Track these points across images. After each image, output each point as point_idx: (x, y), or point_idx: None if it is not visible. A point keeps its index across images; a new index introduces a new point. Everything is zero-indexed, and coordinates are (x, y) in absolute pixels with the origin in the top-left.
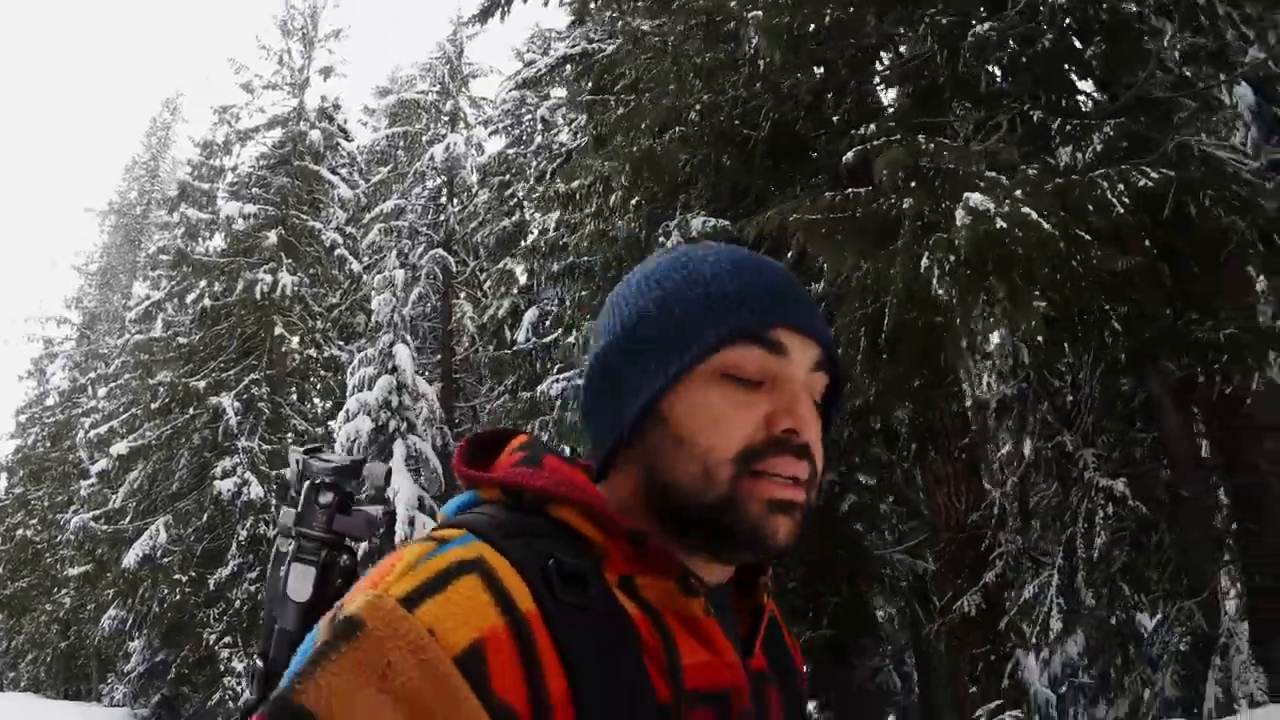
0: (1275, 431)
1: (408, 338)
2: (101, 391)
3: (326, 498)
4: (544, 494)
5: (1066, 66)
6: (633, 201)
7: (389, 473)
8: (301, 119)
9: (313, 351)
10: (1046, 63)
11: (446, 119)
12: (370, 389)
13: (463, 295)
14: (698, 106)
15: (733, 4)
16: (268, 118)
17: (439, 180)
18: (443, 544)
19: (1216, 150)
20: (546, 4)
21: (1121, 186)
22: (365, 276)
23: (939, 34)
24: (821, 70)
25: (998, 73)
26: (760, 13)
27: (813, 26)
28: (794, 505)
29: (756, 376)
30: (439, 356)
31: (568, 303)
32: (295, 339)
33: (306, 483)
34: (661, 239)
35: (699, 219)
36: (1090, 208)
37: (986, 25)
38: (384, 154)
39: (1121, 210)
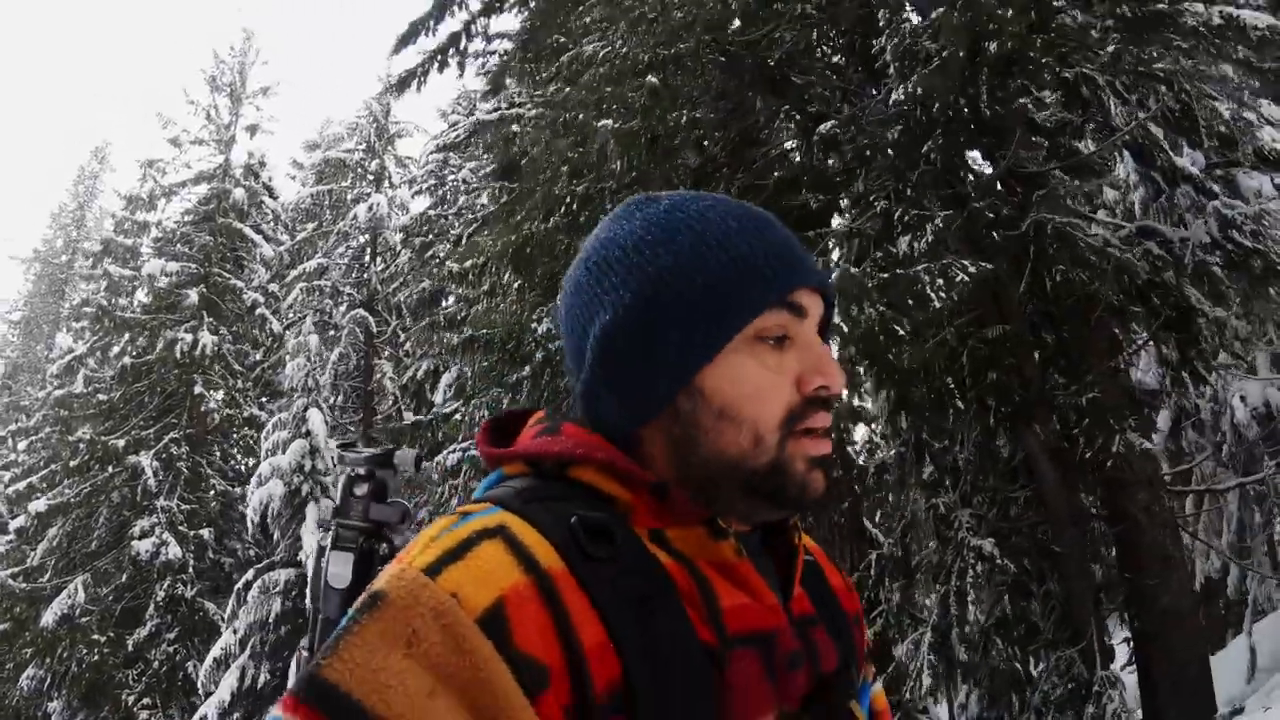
0: (1149, 486)
1: (321, 402)
2: (22, 445)
3: (362, 488)
4: (563, 457)
5: (926, 148)
6: (515, 285)
7: (418, 458)
8: (227, 176)
9: (232, 410)
10: (902, 151)
11: (372, 178)
12: (283, 453)
13: (384, 355)
14: (568, 199)
15: (580, 116)
16: (194, 173)
17: (362, 239)
18: (465, 515)
19: (1069, 225)
20: (461, 76)
21: (941, 281)
22: (287, 335)
23: (798, 128)
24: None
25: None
26: (610, 121)
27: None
28: (827, 458)
29: (782, 335)
30: (360, 416)
31: (469, 373)
32: (216, 397)
33: (343, 475)
34: (534, 324)
35: None
36: (910, 301)
37: (830, 124)
38: (309, 211)
39: (938, 304)
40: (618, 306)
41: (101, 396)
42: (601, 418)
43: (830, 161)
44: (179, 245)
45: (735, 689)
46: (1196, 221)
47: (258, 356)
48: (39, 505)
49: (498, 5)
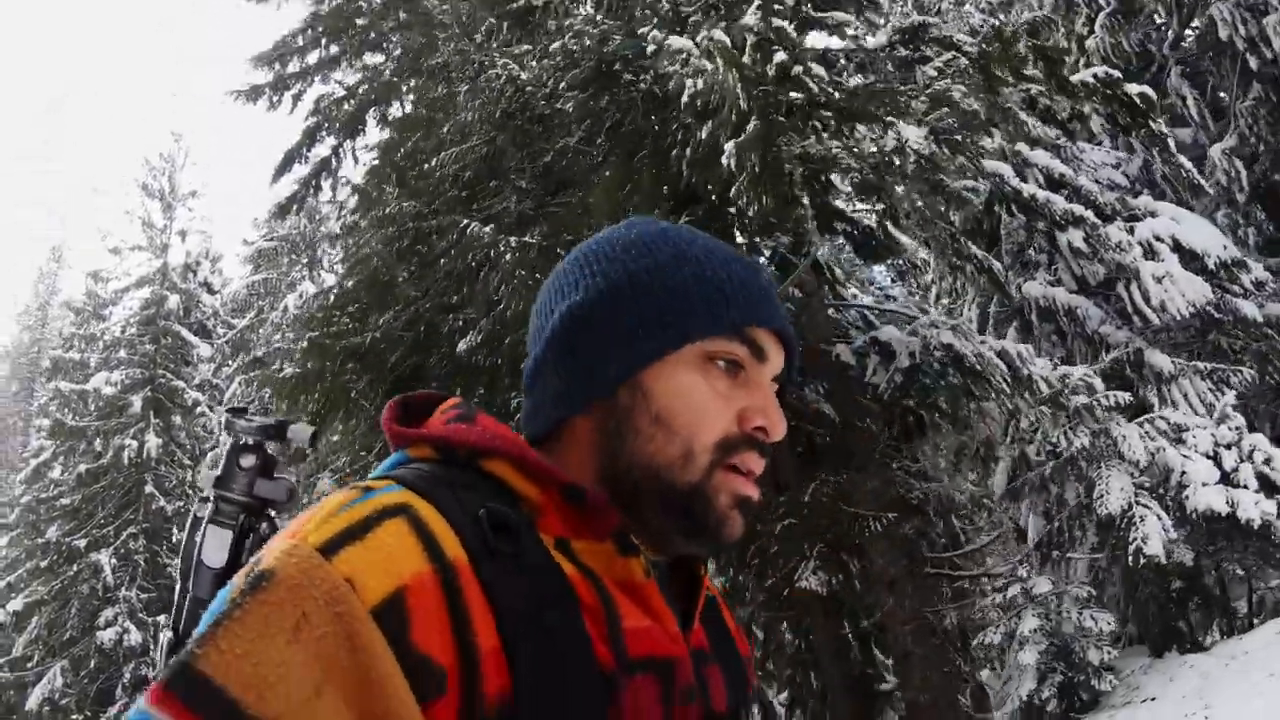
0: (891, 586)
1: None
2: (3, 540)
3: (249, 460)
4: (476, 447)
5: None
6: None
7: (315, 434)
8: (165, 279)
9: (181, 503)
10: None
11: (305, 262)
12: None
13: None
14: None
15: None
16: (134, 279)
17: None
18: (367, 491)
19: None
20: (334, 197)
21: None
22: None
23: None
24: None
25: None
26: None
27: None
28: (752, 503)
29: (735, 363)
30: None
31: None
32: (165, 495)
33: (229, 442)
34: None
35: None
36: None
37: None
38: (247, 301)
39: None
40: (589, 289)
41: (64, 500)
42: (540, 398)
43: None
44: (123, 351)
45: (627, 716)
46: (904, 338)
47: (207, 445)
48: (16, 604)
49: (360, 128)
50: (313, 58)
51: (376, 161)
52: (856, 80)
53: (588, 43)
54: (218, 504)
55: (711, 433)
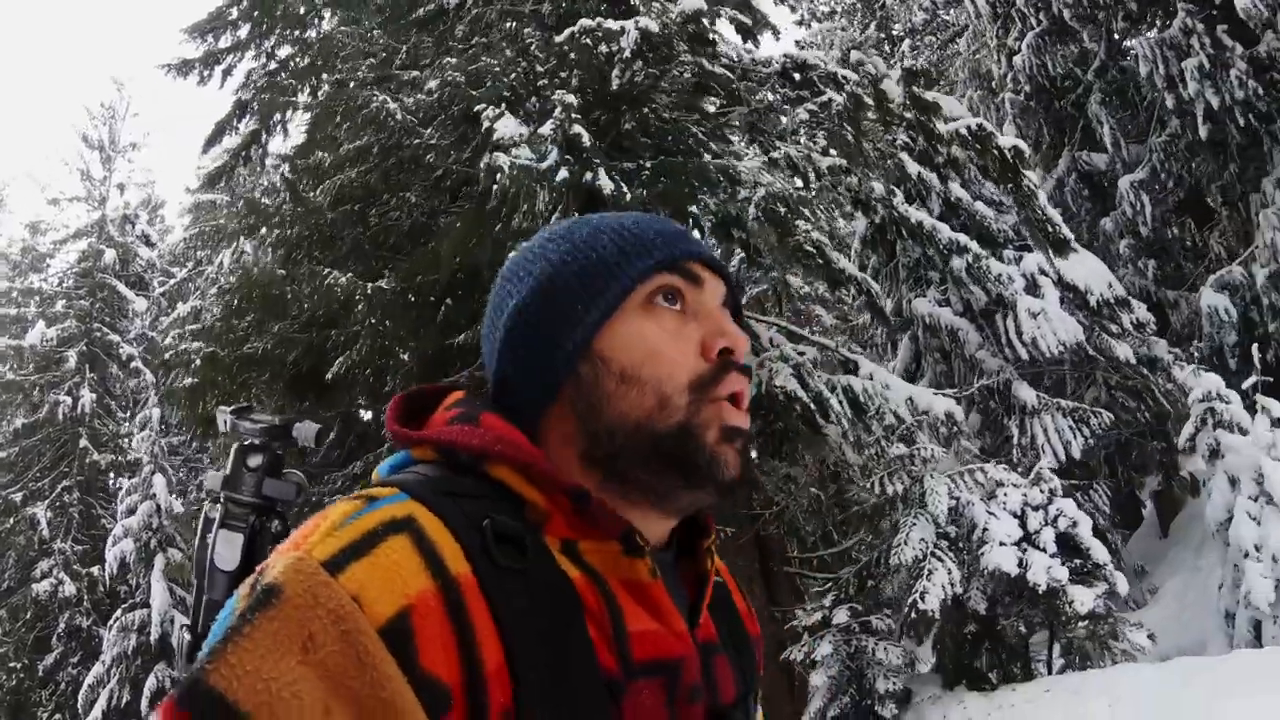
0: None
1: (166, 466)
2: None
3: (256, 460)
4: (480, 453)
5: None
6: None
7: (321, 432)
8: (102, 232)
9: (114, 456)
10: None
11: (246, 217)
12: (133, 515)
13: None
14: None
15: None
16: (72, 231)
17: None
18: (372, 501)
19: None
20: (262, 169)
21: None
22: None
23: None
24: None
25: None
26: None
27: None
28: (742, 432)
29: (676, 293)
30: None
31: None
32: (99, 448)
33: (235, 445)
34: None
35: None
36: None
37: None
38: (185, 255)
39: None
40: (521, 292)
41: (1, 454)
42: (512, 404)
43: None
44: (60, 304)
45: None
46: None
47: (142, 397)
48: None
49: (292, 101)
50: (244, 31)
51: (292, 160)
52: (737, 115)
53: (458, 84)
54: (227, 506)
55: (680, 373)
